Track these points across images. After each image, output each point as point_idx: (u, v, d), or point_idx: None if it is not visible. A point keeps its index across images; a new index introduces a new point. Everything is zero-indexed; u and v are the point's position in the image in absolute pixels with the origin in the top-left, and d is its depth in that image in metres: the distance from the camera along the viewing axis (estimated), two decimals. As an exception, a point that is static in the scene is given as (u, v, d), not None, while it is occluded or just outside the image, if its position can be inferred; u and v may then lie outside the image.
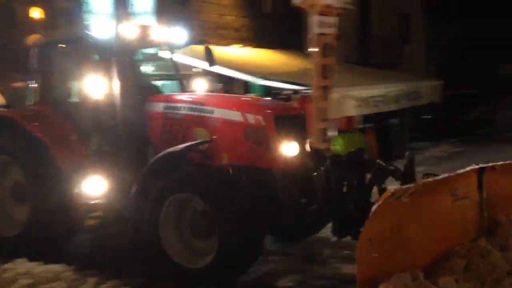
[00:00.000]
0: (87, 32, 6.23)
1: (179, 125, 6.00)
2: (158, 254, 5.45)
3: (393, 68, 19.02)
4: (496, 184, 5.34)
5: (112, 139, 6.09)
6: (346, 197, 5.50)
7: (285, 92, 11.12)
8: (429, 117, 18.15)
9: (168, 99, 6.27)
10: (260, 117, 5.55)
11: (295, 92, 10.82)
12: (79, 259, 6.20)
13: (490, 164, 5.32)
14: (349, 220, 5.39)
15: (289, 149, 5.55)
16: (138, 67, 7.47)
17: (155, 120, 6.17)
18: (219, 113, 5.76)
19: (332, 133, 9.66)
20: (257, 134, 5.56)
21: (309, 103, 9.14)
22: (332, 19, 9.00)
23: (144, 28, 6.49)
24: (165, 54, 7.65)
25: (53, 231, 6.09)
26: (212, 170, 5.44)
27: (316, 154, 5.96)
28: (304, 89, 10.44)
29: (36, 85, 6.75)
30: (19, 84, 8.54)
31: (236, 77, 11.64)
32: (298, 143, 5.65)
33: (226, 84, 11.54)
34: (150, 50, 8.48)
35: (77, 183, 6.04)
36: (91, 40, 6.16)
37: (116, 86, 5.95)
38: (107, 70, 6.00)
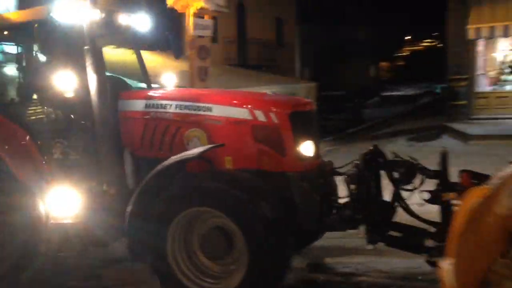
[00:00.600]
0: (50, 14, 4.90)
1: (166, 126, 5.03)
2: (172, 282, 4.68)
3: (271, 70, 19.74)
4: None
5: (81, 145, 5.11)
6: (378, 199, 4.85)
7: None
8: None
9: (150, 96, 5.28)
10: (272, 114, 4.81)
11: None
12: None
13: None
14: (382, 224, 4.78)
15: (305, 149, 4.87)
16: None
17: (132, 121, 5.14)
18: (220, 111, 4.92)
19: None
20: (269, 134, 4.81)
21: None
22: (208, 22, 9.24)
23: (110, 12, 5.38)
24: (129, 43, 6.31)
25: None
26: (228, 178, 4.68)
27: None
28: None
29: None
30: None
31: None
32: (314, 142, 4.98)
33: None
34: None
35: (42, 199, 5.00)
36: (55, 23, 4.88)
37: (85, 80, 4.81)
38: (73, 60, 4.91)
